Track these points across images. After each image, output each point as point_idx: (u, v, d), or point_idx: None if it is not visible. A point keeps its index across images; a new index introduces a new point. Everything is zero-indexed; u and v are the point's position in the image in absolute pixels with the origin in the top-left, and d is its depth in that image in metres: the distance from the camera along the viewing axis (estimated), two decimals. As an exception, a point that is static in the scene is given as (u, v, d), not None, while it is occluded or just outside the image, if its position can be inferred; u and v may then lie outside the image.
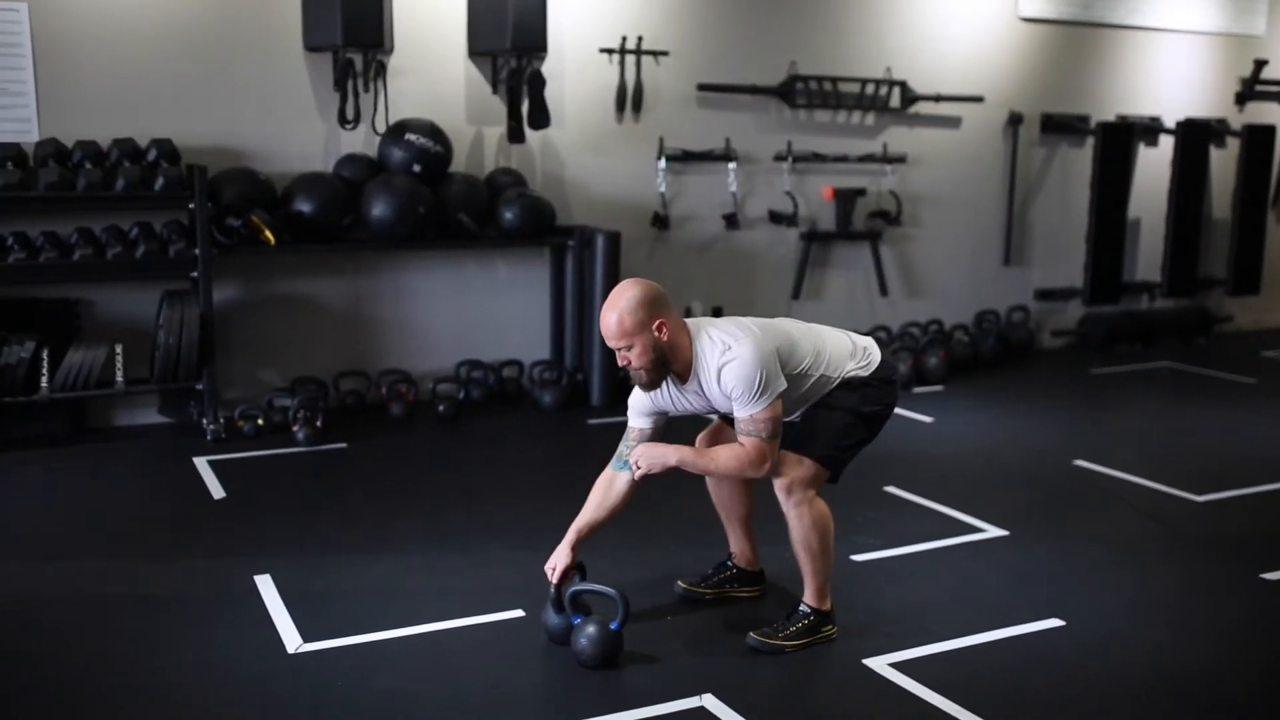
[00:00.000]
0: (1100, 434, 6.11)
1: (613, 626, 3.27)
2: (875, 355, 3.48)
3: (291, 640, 3.41)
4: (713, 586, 3.78)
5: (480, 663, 3.34)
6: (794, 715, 3.12)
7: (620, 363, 3.28)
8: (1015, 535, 4.44)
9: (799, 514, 3.36)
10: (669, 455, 3.32)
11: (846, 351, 3.44)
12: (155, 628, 3.52)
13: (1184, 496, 4.95)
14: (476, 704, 3.11)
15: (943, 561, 4.20)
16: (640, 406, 3.45)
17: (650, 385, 3.30)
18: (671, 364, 3.27)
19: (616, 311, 3.21)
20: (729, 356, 3.21)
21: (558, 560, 3.44)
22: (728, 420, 3.44)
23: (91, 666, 3.28)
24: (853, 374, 3.41)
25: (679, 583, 3.80)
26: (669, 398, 3.38)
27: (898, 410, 6.22)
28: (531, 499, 4.83)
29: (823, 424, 3.38)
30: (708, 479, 3.72)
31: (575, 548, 3.45)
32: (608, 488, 3.47)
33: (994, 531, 4.47)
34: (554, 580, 3.41)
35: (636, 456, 3.35)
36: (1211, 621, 3.73)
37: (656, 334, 3.22)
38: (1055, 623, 3.64)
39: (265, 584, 3.80)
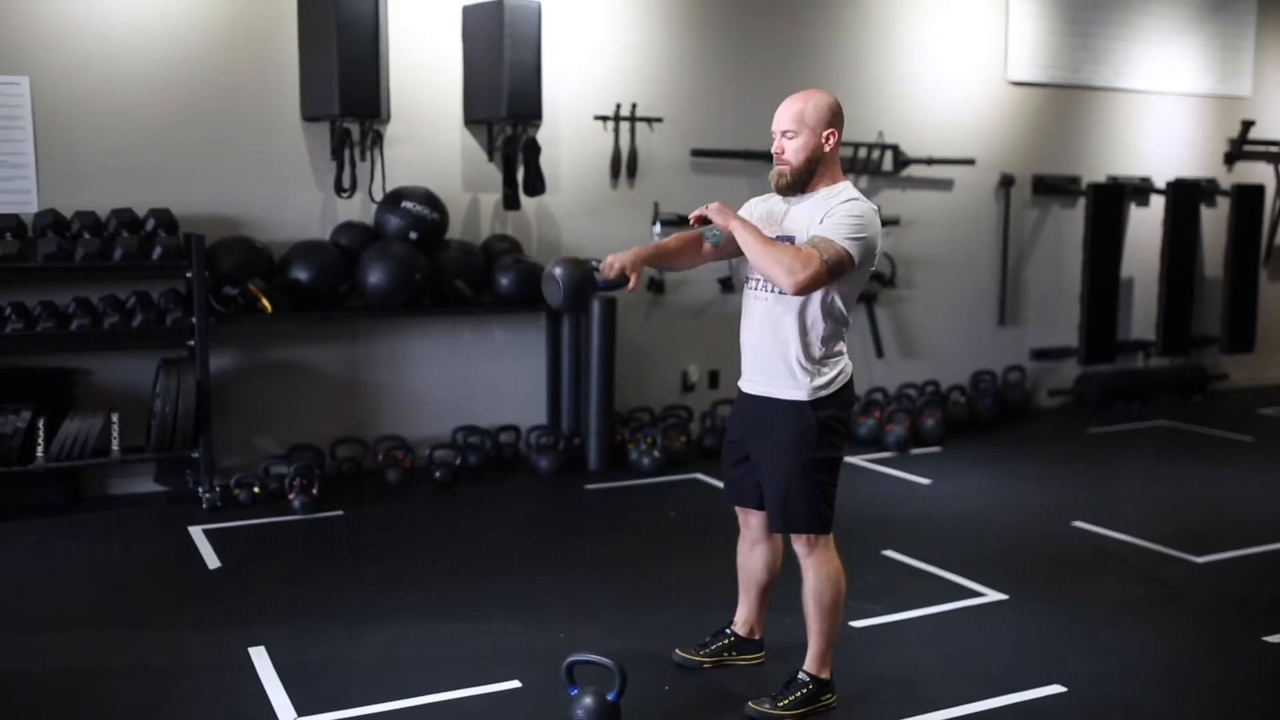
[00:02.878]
0: (1098, 494, 6.09)
1: (610, 698, 3.23)
2: (847, 372, 3.42)
3: (285, 713, 3.38)
4: (710, 655, 3.74)
5: (476, 735, 3.31)
6: (794, 787, 3.09)
7: (774, 149, 3.31)
8: (1015, 599, 4.41)
9: (816, 565, 3.38)
10: (733, 221, 3.26)
11: (841, 345, 3.42)
12: (148, 700, 3.48)
13: (1184, 558, 4.93)
14: (472, 778, 3.08)
15: (942, 627, 4.17)
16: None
17: (789, 187, 3.32)
18: (812, 178, 3.31)
19: (806, 99, 3.30)
20: (862, 200, 3.28)
21: (622, 260, 3.37)
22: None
23: (83, 743, 3.25)
24: (819, 372, 3.33)
25: (676, 651, 3.77)
26: (770, 207, 3.41)
27: (896, 472, 6.32)
28: (529, 566, 4.81)
29: (789, 493, 3.34)
30: (740, 544, 3.69)
31: (639, 264, 3.40)
32: (688, 240, 3.52)
33: (993, 595, 4.44)
34: (611, 272, 3.35)
35: (715, 208, 3.28)
36: (1213, 685, 3.71)
37: (824, 140, 3.28)
38: (1056, 689, 3.61)
39: (259, 656, 3.77)
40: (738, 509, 3.67)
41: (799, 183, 3.33)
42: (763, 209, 3.45)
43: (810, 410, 3.33)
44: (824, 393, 3.35)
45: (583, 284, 3.34)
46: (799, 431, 3.33)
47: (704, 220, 3.34)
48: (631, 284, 3.37)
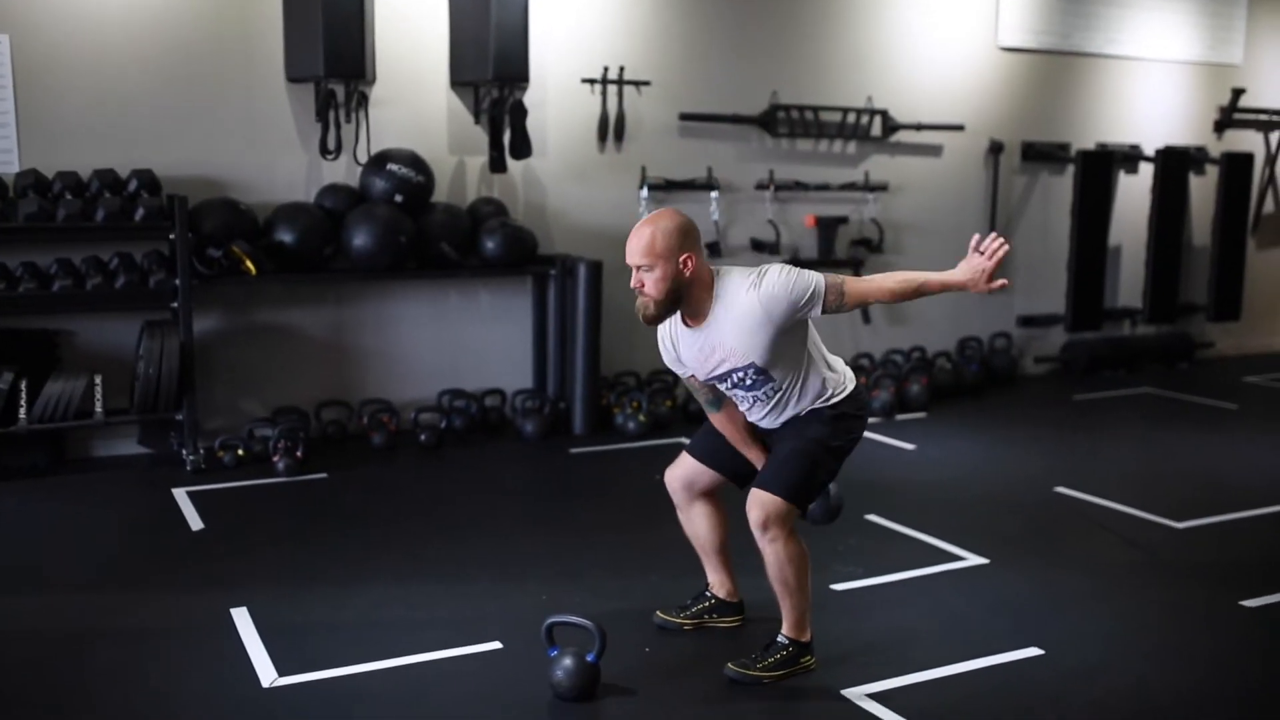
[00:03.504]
0: (1082, 460, 6.12)
1: (589, 659, 3.25)
2: (851, 379, 3.48)
3: (266, 674, 3.39)
4: (691, 617, 3.76)
5: (458, 696, 3.32)
6: (772, 747, 3.11)
7: (633, 284, 3.24)
8: (996, 563, 4.44)
9: (774, 550, 3.35)
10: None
11: (835, 360, 3.47)
12: (130, 661, 3.49)
13: (1164, 523, 4.96)
14: (452, 738, 3.09)
15: (923, 590, 4.19)
16: (669, 357, 3.45)
17: (654, 318, 3.27)
18: (685, 302, 3.25)
19: (651, 229, 3.20)
20: (765, 271, 3.23)
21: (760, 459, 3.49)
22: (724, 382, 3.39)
23: (65, 701, 3.26)
24: (832, 392, 3.38)
25: (657, 614, 3.78)
26: (677, 344, 3.38)
27: (880, 438, 6.33)
28: (513, 529, 4.82)
29: (793, 459, 3.35)
30: (680, 516, 3.72)
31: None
32: (731, 418, 3.50)
33: (975, 559, 4.47)
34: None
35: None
36: (1191, 649, 3.73)
37: (680, 266, 3.19)
38: (1035, 651, 3.63)
39: (241, 617, 3.78)
40: (682, 471, 3.66)
41: (666, 311, 3.26)
42: (689, 350, 3.36)
43: (828, 410, 3.39)
44: (838, 398, 3.40)
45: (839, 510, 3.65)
46: (819, 423, 3.37)
47: None
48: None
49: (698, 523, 3.69)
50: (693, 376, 3.44)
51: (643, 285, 3.22)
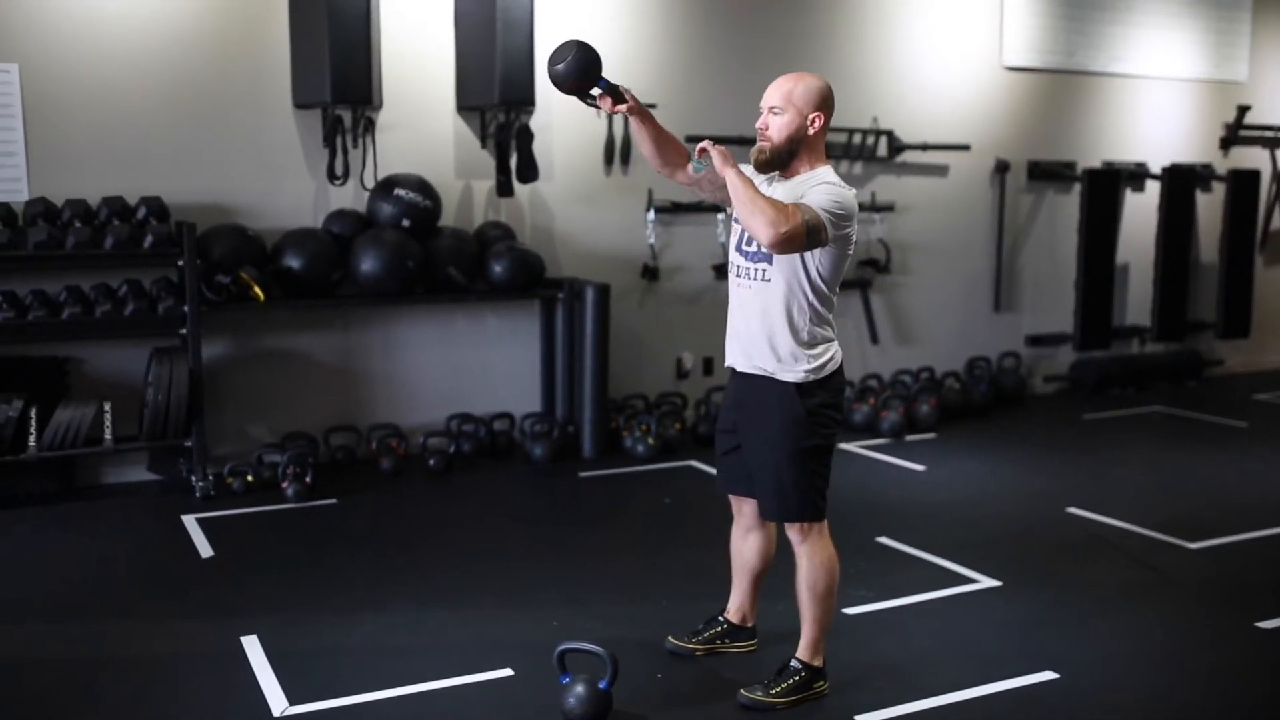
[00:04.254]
0: (1093, 480, 6.09)
1: (601, 686, 3.24)
2: (836, 360, 3.39)
3: (277, 703, 3.37)
4: (703, 642, 3.74)
5: (468, 724, 3.31)
6: (786, 774, 3.09)
7: (758, 124, 3.32)
8: (1008, 585, 4.41)
9: (810, 552, 3.38)
10: (730, 168, 3.21)
11: (827, 329, 3.38)
12: (139, 691, 3.48)
13: (1178, 544, 4.93)
14: (464, 767, 3.08)
15: (935, 613, 4.16)
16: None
17: (765, 164, 3.33)
18: (793, 159, 3.31)
19: (798, 80, 3.30)
20: (841, 185, 3.25)
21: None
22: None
23: (74, 732, 3.25)
24: (810, 358, 3.32)
25: (669, 639, 3.77)
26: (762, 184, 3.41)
27: (890, 459, 6.30)
28: (522, 554, 4.80)
29: (791, 480, 3.34)
30: (734, 532, 3.71)
31: (639, 104, 3.39)
32: (680, 144, 3.54)
33: (987, 582, 4.44)
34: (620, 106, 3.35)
35: (720, 150, 3.24)
36: (1206, 671, 3.71)
37: (807, 123, 3.28)
38: (1049, 675, 3.61)
39: (252, 645, 3.76)
40: (731, 497, 3.67)
41: (777, 161, 3.32)
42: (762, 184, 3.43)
43: (798, 398, 3.32)
44: (813, 378, 3.34)
45: (595, 63, 3.31)
46: (788, 420, 3.33)
47: (705, 153, 3.31)
48: (626, 104, 3.35)
49: (747, 548, 3.69)
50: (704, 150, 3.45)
51: (766, 128, 3.30)
